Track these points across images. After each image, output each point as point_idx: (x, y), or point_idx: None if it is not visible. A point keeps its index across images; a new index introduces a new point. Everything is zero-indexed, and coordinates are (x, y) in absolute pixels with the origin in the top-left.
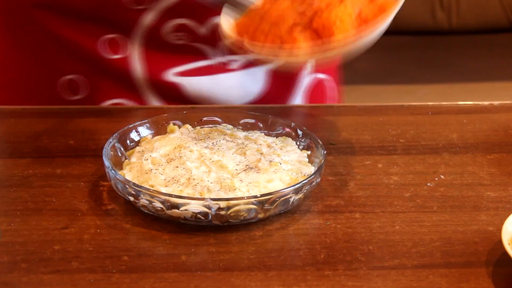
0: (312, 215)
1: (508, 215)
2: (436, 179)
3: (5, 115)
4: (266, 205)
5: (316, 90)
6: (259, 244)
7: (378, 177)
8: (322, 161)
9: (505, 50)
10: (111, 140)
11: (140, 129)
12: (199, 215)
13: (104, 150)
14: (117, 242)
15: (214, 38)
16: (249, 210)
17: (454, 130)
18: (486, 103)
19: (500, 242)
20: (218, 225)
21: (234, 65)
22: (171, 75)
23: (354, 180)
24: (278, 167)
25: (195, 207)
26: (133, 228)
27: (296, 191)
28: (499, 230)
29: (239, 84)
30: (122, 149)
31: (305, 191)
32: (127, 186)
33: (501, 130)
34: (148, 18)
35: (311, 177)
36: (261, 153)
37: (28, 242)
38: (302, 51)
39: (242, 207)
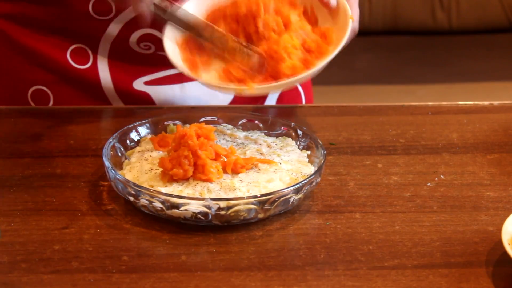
0: (312, 215)
1: (508, 215)
2: (436, 179)
3: (5, 115)
4: (266, 205)
5: (290, 92)
6: (259, 244)
7: (378, 177)
8: (322, 161)
9: (505, 50)
10: (111, 140)
11: (140, 129)
12: (199, 215)
13: (104, 150)
14: (117, 242)
15: None
16: (249, 210)
17: (454, 130)
18: (486, 103)
19: (500, 242)
20: (218, 225)
21: None
22: (140, 84)
23: (354, 180)
24: (278, 167)
25: (195, 207)
26: (133, 228)
27: (296, 191)
28: (499, 230)
29: (209, 92)
30: (122, 149)
31: (305, 191)
32: (127, 186)
33: (501, 130)
34: (114, 28)
35: (311, 177)
36: (261, 153)
37: (28, 242)
38: (251, 90)
39: (242, 207)
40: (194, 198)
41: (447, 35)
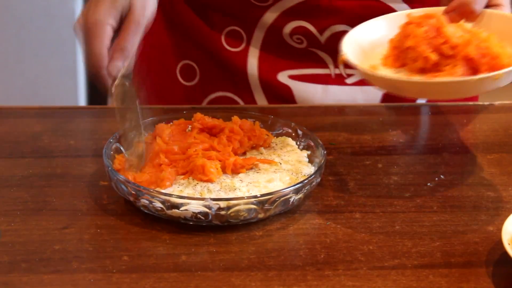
0: (312, 215)
1: (508, 215)
2: (436, 179)
3: (5, 115)
4: (266, 205)
5: None
6: (259, 244)
7: (378, 177)
8: (322, 161)
9: None
10: (111, 140)
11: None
12: (199, 215)
13: (104, 150)
14: (117, 242)
15: (334, 47)
16: (249, 210)
17: (454, 130)
18: (486, 103)
19: (500, 242)
20: (218, 225)
21: (351, 80)
22: (285, 76)
23: (354, 180)
24: (278, 167)
25: (195, 207)
26: (133, 228)
27: (296, 191)
28: (499, 230)
29: (351, 99)
30: (122, 149)
31: (305, 191)
32: (127, 186)
33: (501, 130)
34: (271, 16)
35: (311, 177)
36: (261, 153)
37: (28, 242)
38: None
39: (242, 207)
40: (194, 198)
41: None
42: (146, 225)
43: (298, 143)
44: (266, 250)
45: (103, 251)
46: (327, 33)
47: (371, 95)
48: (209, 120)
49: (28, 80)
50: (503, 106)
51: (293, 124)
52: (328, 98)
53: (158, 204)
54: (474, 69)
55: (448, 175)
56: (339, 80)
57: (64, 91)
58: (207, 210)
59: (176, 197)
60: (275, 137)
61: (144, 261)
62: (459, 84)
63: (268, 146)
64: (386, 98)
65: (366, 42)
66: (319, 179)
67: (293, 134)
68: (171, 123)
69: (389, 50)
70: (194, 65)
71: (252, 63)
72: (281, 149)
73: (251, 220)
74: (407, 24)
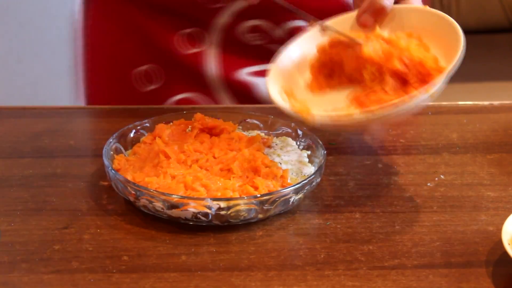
0: (312, 215)
1: (508, 215)
2: (436, 179)
3: (5, 115)
4: (266, 205)
5: None
6: (259, 244)
7: (378, 177)
8: (322, 161)
9: (505, 50)
10: (111, 140)
11: (140, 129)
12: (199, 215)
13: (104, 150)
14: (117, 242)
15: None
16: (249, 210)
17: (454, 130)
18: (486, 103)
19: (500, 242)
20: (218, 225)
21: None
22: (244, 74)
23: (354, 180)
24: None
25: (195, 207)
26: (133, 228)
27: (296, 191)
28: (499, 230)
29: None
30: (122, 149)
31: (305, 191)
32: (127, 186)
33: (501, 130)
34: (224, 17)
35: (311, 177)
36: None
37: (28, 242)
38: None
39: (242, 207)
40: (194, 198)
41: None
42: (146, 225)
43: (298, 143)
44: (266, 250)
45: (103, 251)
46: (283, 29)
47: None
48: (209, 120)
49: (28, 80)
50: (503, 106)
51: (293, 124)
52: None
53: (158, 204)
54: (403, 81)
55: (448, 175)
56: None
57: (64, 91)
58: (207, 210)
59: (176, 197)
60: (275, 137)
61: (144, 261)
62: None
63: (268, 146)
64: None
65: (287, 72)
66: (319, 179)
67: (293, 134)
68: (171, 123)
69: (313, 75)
70: (152, 69)
71: (210, 63)
72: (281, 149)
73: (251, 220)
74: (324, 51)
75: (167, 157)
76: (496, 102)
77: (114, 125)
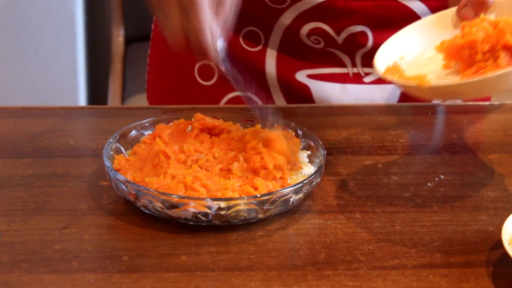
0: (312, 215)
1: (508, 215)
2: (436, 179)
3: (5, 115)
4: (266, 205)
5: None
6: (259, 244)
7: (378, 177)
8: (322, 161)
9: None
10: (111, 140)
11: (140, 129)
12: (199, 215)
13: (104, 150)
14: (117, 242)
15: (352, 47)
16: (249, 210)
17: (454, 130)
18: (486, 103)
19: (500, 242)
20: (218, 225)
21: (368, 79)
22: (303, 76)
23: (354, 180)
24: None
25: (195, 207)
26: (133, 228)
27: (296, 191)
28: (499, 230)
29: (369, 97)
30: (122, 149)
31: (305, 191)
32: (127, 186)
33: (501, 130)
34: (287, 17)
35: (311, 177)
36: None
37: (28, 242)
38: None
39: (242, 207)
40: (194, 198)
41: None
42: (146, 225)
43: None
44: (266, 250)
45: (103, 251)
46: (344, 34)
47: (389, 94)
48: (209, 121)
49: (28, 80)
50: (503, 106)
51: (293, 124)
52: (346, 97)
53: (158, 204)
54: None
55: (448, 175)
56: (357, 78)
57: (64, 91)
58: (207, 210)
59: (176, 197)
60: None
61: (144, 261)
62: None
63: None
64: (404, 97)
65: (399, 56)
66: (319, 179)
67: (293, 134)
68: (171, 123)
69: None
70: (212, 64)
71: (270, 63)
72: None
73: (251, 220)
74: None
75: (167, 157)
76: (496, 102)
77: (114, 125)
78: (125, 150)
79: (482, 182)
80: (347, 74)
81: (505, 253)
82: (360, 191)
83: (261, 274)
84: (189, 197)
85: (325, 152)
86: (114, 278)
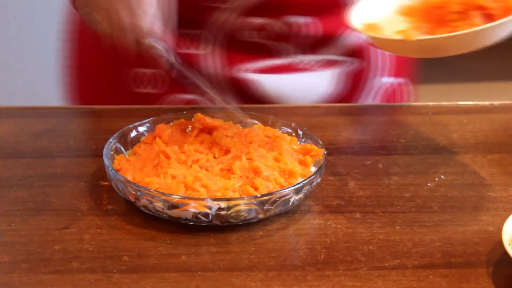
0: (312, 215)
1: (508, 215)
2: (436, 179)
3: (5, 115)
4: (266, 205)
5: (391, 94)
6: (259, 244)
7: (378, 177)
8: (323, 161)
9: (505, 50)
10: (111, 140)
11: (140, 129)
12: (199, 215)
13: (104, 150)
14: (117, 242)
15: (294, 37)
16: (250, 210)
17: (454, 130)
18: (486, 103)
19: (500, 242)
20: (218, 225)
21: (307, 65)
22: (246, 71)
23: (354, 180)
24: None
25: (195, 207)
26: (133, 228)
27: (296, 191)
28: (500, 230)
29: (323, 83)
30: (122, 149)
31: (305, 191)
32: (127, 186)
33: (501, 130)
34: (224, 16)
35: (311, 177)
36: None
37: (29, 242)
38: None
39: (242, 207)
40: (194, 198)
41: None
42: (146, 225)
43: (298, 143)
44: (266, 250)
45: (103, 251)
46: (284, 25)
47: (328, 78)
48: (209, 121)
49: (28, 80)
50: (503, 106)
51: (293, 124)
52: (300, 86)
53: (158, 204)
54: (489, 17)
55: (448, 175)
56: (306, 67)
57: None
58: (207, 210)
59: (176, 197)
60: None
61: (144, 261)
62: (489, 30)
63: None
64: (345, 81)
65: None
66: (319, 179)
67: (293, 134)
68: (171, 123)
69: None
70: (156, 73)
71: (212, 62)
72: None
73: (251, 220)
74: None
75: (167, 157)
76: (496, 102)
77: (114, 125)
78: (125, 150)
79: (482, 182)
80: (296, 64)
81: (506, 253)
82: (360, 191)
83: (261, 274)
84: (189, 197)
85: (325, 152)
86: (114, 278)
